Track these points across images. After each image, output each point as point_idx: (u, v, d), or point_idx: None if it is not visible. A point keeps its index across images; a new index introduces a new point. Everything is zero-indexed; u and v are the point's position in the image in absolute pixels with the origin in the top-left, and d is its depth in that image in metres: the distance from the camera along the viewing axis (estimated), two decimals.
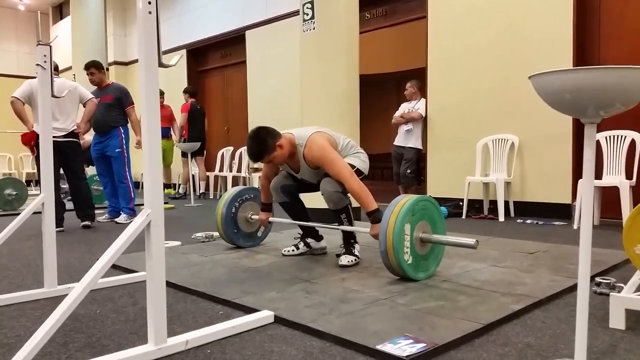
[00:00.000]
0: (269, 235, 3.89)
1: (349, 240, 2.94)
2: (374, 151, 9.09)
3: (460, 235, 3.80)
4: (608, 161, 4.34)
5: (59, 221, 4.32)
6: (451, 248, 3.26)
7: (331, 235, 3.51)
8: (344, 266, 2.79)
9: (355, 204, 2.87)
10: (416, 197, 2.50)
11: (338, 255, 2.92)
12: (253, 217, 3.39)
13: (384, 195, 6.99)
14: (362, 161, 2.95)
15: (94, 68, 5.07)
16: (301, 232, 3.23)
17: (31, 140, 4.29)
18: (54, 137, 4.28)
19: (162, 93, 7.66)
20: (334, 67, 4.81)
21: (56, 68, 4.72)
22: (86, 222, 4.67)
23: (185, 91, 8.01)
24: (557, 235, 3.92)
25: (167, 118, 7.77)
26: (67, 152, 4.47)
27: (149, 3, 1.60)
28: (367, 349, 1.62)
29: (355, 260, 2.85)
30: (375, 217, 2.63)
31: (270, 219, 3.29)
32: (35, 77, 4.28)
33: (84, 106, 4.67)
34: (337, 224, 2.89)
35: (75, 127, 4.56)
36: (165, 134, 7.82)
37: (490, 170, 5.19)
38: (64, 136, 4.44)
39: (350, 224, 2.87)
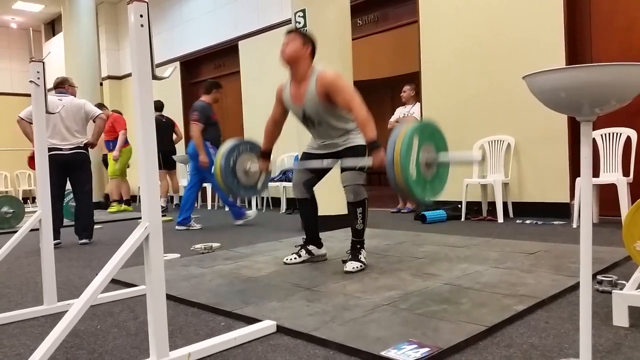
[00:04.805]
0: (268, 244, 3.88)
1: (356, 246, 2.94)
2: None
3: (461, 238, 3.79)
4: (604, 159, 4.35)
5: (56, 233, 4.32)
6: (451, 251, 3.26)
7: (331, 242, 3.50)
8: (349, 272, 2.78)
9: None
10: (424, 121, 2.46)
11: (344, 261, 2.92)
12: (252, 168, 3.31)
13: (382, 200, 7.00)
14: None
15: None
16: (305, 237, 3.21)
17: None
18: (61, 150, 4.38)
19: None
20: None
21: (64, 82, 4.73)
22: (84, 241, 4.64)
23: None
24: (556, 234, 3.92)
25: (114, 129, 7.63)
26: (74, 164, 4.52)
27: (141, 16, 1.60)
28: (371, 356, 1.61)
29: (361, 266, 2.85)
30: (374, 144, 2.66)
31: (270, 167, 3.26)
32: (51, 96, 4.41)
33: (94, 121, 4.71)
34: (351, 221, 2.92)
35: (85, 142, 4.61)
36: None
37: (488, 171, 5.19)
38: (71, 149, 4.48)
39: (364, 222, 2.91)
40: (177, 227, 5.42)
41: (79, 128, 4.58)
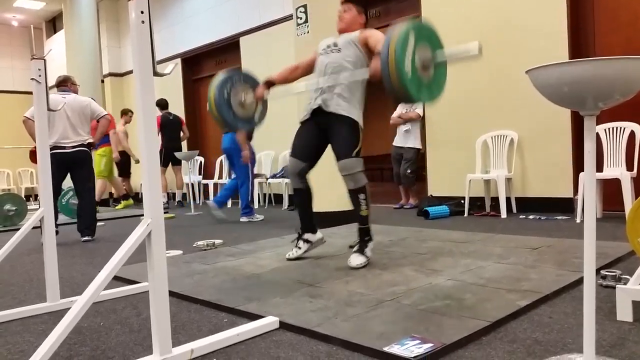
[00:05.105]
0: (270, 240, 3.88)
1: (364, 237, 2.91)
2: (373, 152, 9.09)
3: (464, 234, 3.79)
4: (608, 153, 4.33)
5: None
6: (454, 247, 3.26)
7: (333, 239, 3.50)
8: (354, 268, 2.76)
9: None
10: (420, 22, 2.42)
11: (351, 247, 2.90)
12: (247, 100, 3.23)
13: (384, 196, 6.98)
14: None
15: None
16: (299, 231, 3.20)
17: None
18: (64, 148, 4.39)
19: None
20: None
21: (66, 80, 4.74)
22: (87, 238, 4.64)
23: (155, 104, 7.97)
24: (560, 229, 3.91)
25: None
26: (76, 161, 4.52)
27: (142, 12, 1.59)
28: (374, 352, 1.61)
29: (366, 262, 2.83)
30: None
31: (266, 96, 3.23)
32: (54, 94, 4.44)
33: (97, 121, 4.73)
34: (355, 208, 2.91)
35: (89, 140, 4.63)
36: (105, 141, 7.58)
37: (491, 167, 5.18)
38: (73, 147, 4.48)
39: (368, 206, 2.88)
40: (242, 219, 5.61)
41: (83, 126, 4.59)
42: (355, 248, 2.90)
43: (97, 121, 4.71)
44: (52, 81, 4.49)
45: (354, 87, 2.94)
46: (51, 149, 4.10)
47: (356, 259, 2.83)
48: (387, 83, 2.26)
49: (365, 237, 2.92)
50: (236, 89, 3.18)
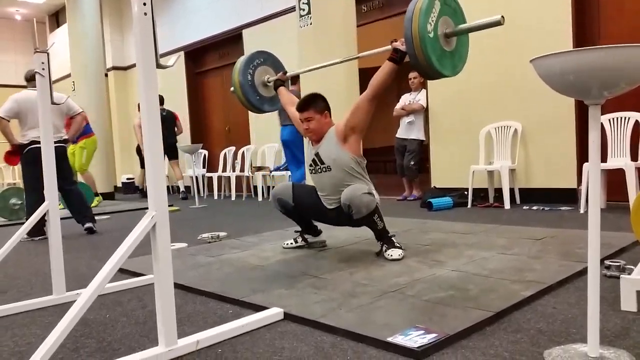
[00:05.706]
0: (275, 233, 3.89)
1: (387, 236, 2.86)
2: (376, 144, 9.08)
3: (468, 225, 3.79)
4: (612, 143, 4.31)
5: (41, 228, 4.17)
6: (457, 238, 3.26)
7: (336, 231, 3.49)
8: (396, 260, 2.71)
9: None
10: None
11: (378, 254, 2.86)
12: (270, 79, 3.30)
13: (387, 188, 6.98)
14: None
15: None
16: (300, 229, 3.29)
17: (17, 159, 4.61)
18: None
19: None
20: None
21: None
22: (88, 225, 4.63)
23: None
24: (564, 220, 3.90)
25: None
26: (57, 156, 4.46)
27: (144, 4, 1.59)
28: (378, 342, 1.61)
29: (403, 251, 2.79)
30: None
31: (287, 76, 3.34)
32: (18, 92, 4.48)
33: (71, 118, 4.75)
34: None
35: (64, 136, 4.64)
36: (84, 133, 7.19)
37: (494, 158, 5.17)
38: (54, 142, 4.47)
39: (382, 220, 2.83)
40: None
41: (60, 122, 4.61)
42: (386, 247, 2.82)
43: (71, 118, 4.71)
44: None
45: (357, 173, 2.91)
46: (32, 144, 4.14)
47: (395, 252, 2.76)
48: (410, 49, 2.28)
49: (387, 234, 2.88)
50: (259, 72, 3.27)
